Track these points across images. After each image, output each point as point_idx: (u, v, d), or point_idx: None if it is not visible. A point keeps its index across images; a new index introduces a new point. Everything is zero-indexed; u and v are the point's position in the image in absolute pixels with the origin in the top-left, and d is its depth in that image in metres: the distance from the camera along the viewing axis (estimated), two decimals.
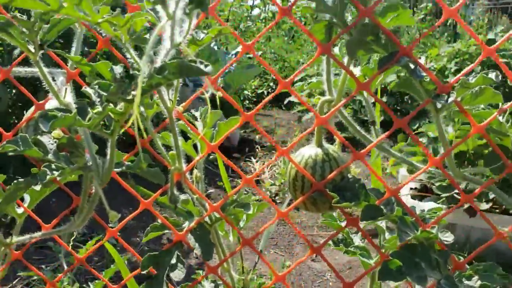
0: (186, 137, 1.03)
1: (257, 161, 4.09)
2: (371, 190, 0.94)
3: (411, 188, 2.98)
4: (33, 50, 0.86)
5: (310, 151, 0.97)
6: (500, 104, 0.89)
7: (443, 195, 2.42)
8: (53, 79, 0.93)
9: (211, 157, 3.33)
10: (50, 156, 0.88)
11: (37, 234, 0.95)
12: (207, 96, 0.89)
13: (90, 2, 0.68)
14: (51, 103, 1.00)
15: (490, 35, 4.35)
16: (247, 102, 6.17)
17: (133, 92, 0.69)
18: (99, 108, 0.71)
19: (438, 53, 4.88)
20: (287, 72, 7.22)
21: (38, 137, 0.91)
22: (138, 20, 0.71)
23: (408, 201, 2.57)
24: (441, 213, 0.97)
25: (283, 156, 0.93)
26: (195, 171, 1.01)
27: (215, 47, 4.90)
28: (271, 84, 6.89)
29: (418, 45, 6.19)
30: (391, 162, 3.04)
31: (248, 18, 8.87)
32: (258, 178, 3.65)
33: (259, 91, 6.64)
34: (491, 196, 2.33)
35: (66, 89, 0.90)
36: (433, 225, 0.93)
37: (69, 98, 0.91)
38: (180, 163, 0.94)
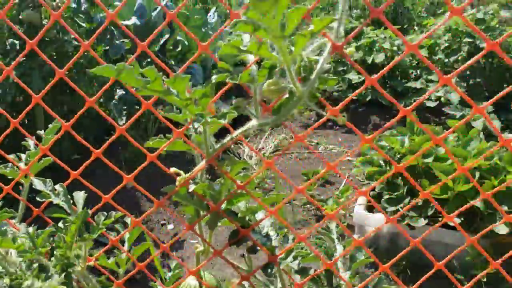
0: None
1: (248, 140, 4.36)
2: None
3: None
4: None
5: (190, 283, 1.29)
6: None
7: (389, 208, 2.72)
8: None
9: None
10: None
11: None
12: None
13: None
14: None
15: (479, 15, 4.35)
16: None
17: None
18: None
19: (434, 23, 4.99)
20: None
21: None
22: None
23: (360, 212, 2.88)
24: None
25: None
26: None
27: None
28: None
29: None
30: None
31: None
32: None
33: None
34: (429, 212, 2.61)
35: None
36: None
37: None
38: None
